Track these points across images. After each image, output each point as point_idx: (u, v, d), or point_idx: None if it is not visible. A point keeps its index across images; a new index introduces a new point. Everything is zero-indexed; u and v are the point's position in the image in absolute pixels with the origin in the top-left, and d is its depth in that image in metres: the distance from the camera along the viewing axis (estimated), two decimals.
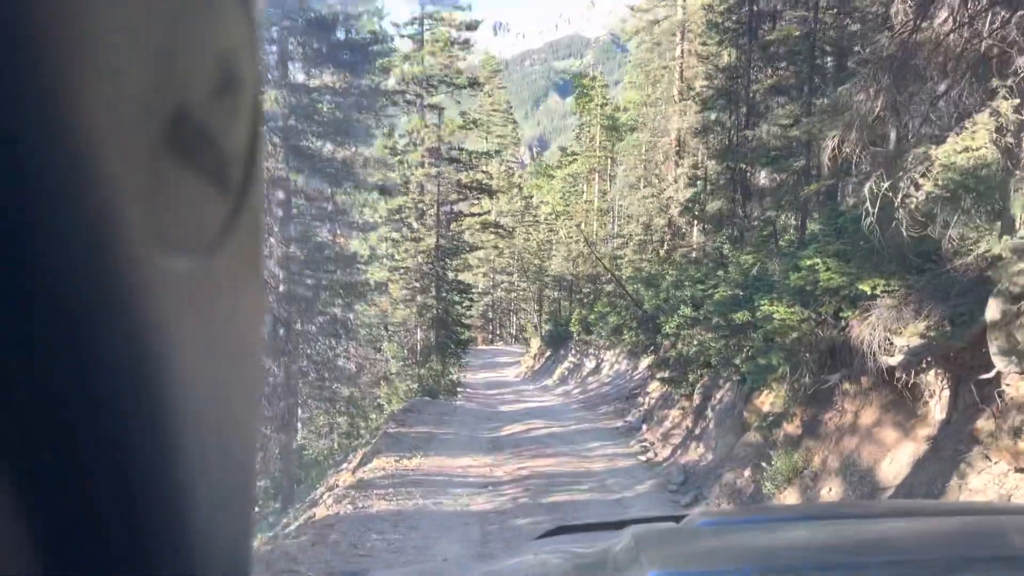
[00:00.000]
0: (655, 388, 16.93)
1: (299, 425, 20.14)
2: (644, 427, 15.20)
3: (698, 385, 13.25)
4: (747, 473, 9.39)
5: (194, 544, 0.32)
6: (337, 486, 11.12)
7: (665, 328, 14.67)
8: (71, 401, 0.26)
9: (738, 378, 10.65)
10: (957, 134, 5.65)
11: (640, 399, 17.89)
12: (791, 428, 9.03)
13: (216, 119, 0.28)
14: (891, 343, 7.20)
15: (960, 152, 5.34)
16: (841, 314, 8.02)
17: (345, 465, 13.79)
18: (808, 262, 8.06)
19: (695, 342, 13.14)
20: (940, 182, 5.30)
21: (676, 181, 24.87)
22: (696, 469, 10.96)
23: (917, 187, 5.71)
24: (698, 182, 19.07)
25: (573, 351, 29.87)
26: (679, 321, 13.69)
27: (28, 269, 0.23)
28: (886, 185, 6.34)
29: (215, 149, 0.28)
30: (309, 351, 20.16)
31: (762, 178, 15.98)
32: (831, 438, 8.25)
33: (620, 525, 1.57)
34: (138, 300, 0.26)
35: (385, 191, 23.25)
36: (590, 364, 26.86)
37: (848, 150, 7.29)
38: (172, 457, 0.30)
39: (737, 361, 10.69)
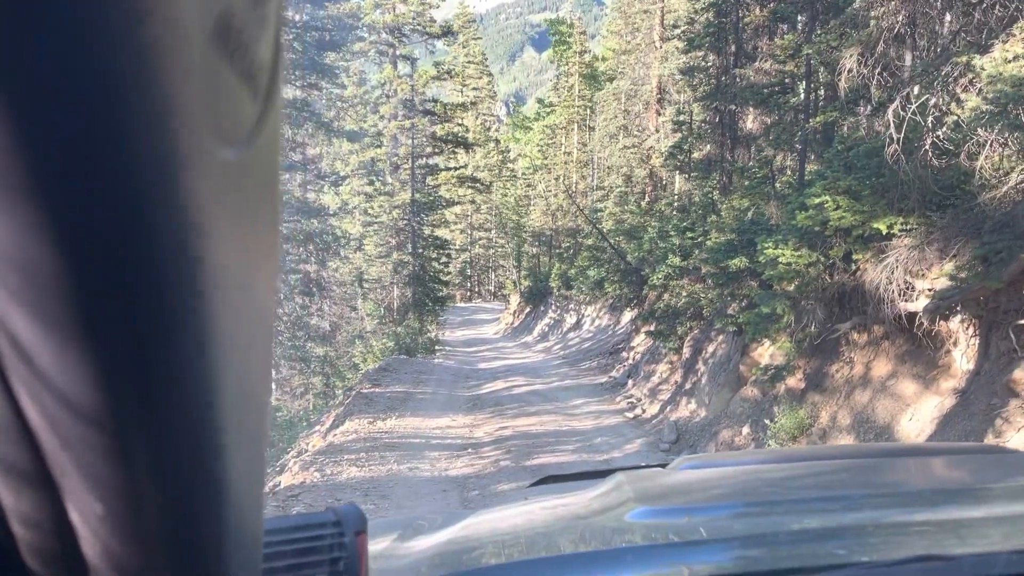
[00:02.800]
0: (640, 342, 16.29)
1: (272, 386, 19.36)
2: (630, 382, 14.58)
3: (688, 338, 12.59)
4: (745, 430, 8.77)
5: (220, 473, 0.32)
6: (306, 451, 10.39)
7: (652, 279, 13.97)
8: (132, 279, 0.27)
9: (734, 329, 9.96)
10: (1004, 42, 4.87)
11: (624, 354, 17.27)
12: (793, 382, 8.38)
13: (251, 26, 0.30)
14: (911, 287, 6.51)
15: (1010, 61, 4.58)
16: (853, 257, 7.31)
17: (317, 428, 13.05)
18: (816, 200, 7.31)
19: (684, 293, 12.47)
20: (989, 95, 4.56)
21: (658, 131, 24.01)
22: (688, 426, 10.33)
23: (959, 102, 4.95)
24: (683, 127, 18.24)
25: (553, 307, 29.21)
26: (667, 271, 12.99)
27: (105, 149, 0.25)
28: (914, 106, 5.56)
29: (249, 54, 0.30)
30: (281, 310, 19.41)
31: (750, 122, 15.20)
32: (839, 392, 7.60)
33: (608, 473, 1.56)
34: (190, 181, 0.28)
35: (353, 137, 22.24)
36: (571, 320, 26.23)
37: (866, 72, 6.49)
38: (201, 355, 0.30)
39: (732, 311, 10.00)
